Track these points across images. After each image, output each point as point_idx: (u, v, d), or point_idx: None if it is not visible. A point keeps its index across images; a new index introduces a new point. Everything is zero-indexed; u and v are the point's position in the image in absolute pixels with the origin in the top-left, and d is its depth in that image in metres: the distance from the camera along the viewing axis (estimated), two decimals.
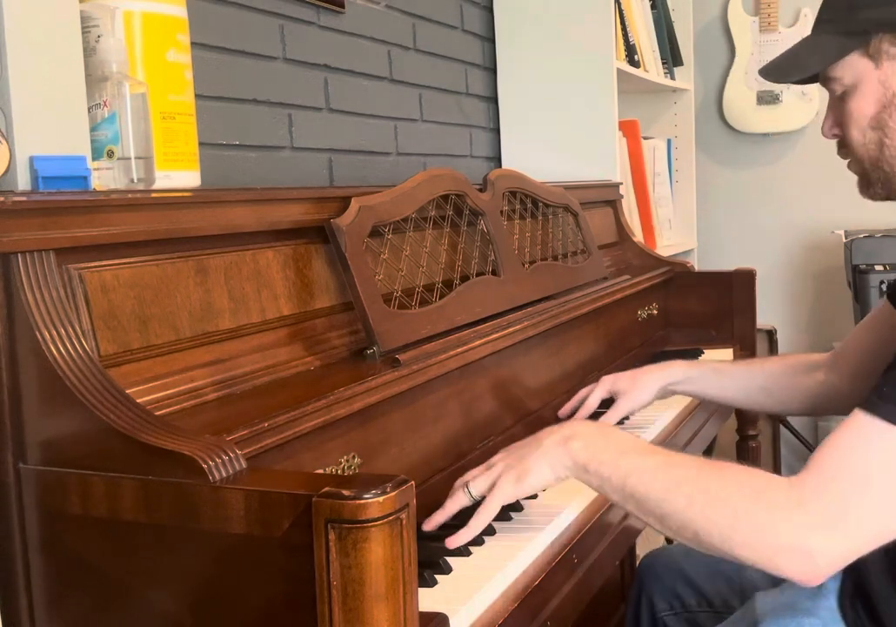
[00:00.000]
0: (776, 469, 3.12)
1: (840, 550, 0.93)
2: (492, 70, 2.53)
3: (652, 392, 1.54)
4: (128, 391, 0.88)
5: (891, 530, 0.95)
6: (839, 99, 1.17)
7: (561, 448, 1.06)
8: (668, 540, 2.77)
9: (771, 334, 2.95)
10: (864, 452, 0.95)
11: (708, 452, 2.97)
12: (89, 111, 1.06)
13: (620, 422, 1.55)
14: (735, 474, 0.99)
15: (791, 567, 0.94)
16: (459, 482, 1.13)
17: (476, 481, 1.11)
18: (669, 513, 0.98)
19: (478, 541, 1.07)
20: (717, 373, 1.55)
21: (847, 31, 1.13)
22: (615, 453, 1.04)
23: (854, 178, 1.22)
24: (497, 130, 2.56)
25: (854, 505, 0.93)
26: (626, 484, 1.01)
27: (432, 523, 1.10)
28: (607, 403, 1.55)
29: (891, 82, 1.12)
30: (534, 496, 1.21)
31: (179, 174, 1.20)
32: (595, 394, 1.55)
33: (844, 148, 1.21)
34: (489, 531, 1.10)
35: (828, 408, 1.49)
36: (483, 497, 1.09)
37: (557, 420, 1.58)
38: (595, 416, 1.53)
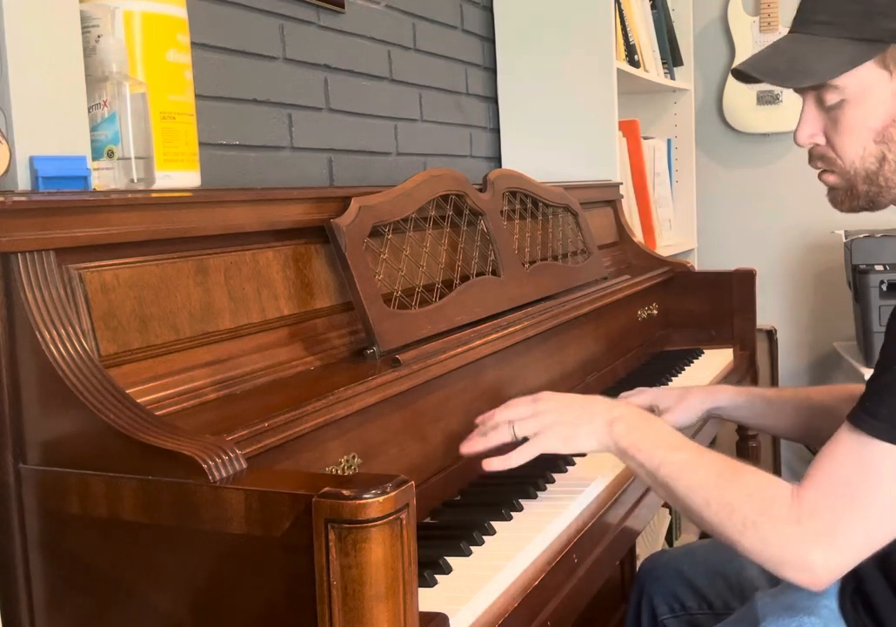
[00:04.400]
0: (776, 470, 3.12)
1: (837, 562, 0.99)
2: (492, 70, 2.53)
3: (696, 415, 1.50)
4: (128, 391, 0.88)
5: (879, 540, 1.00)
6: (833, 108, 1.10)
7: (606, 428, 1.15)
8: (669, 543, 2.77)
9: (771, 334, 2.95)
10: (848, 466, 0.99)
11: None
12: (89, 111, 1.06)
13: None
14: (748, 482, 1.04)
15: (794, 576, 1.01)
16: (503, 415, 1.20)
17: (524, 424, 1.18)
18: (691, 508, 1.07)
19: (478, 541, 1.07)
20: (766, 403, 1.48)
21: (860, 37, 1.06)
22: (652, 443, 1.12)
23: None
24: (497, 130, 2.56)
25: (845, 520, 0.98)
26: (657, 475, 1.10)
27: (471, 447, 1.20)
28: None
29: None
30: (534, 496, 1.22)
31: (179, 174, 1.20)
32: (635, 399, 1.52)
33: (822, 160, 1.15)
34: (489, 530, 1.10)
35: None
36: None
37: None
38: None
